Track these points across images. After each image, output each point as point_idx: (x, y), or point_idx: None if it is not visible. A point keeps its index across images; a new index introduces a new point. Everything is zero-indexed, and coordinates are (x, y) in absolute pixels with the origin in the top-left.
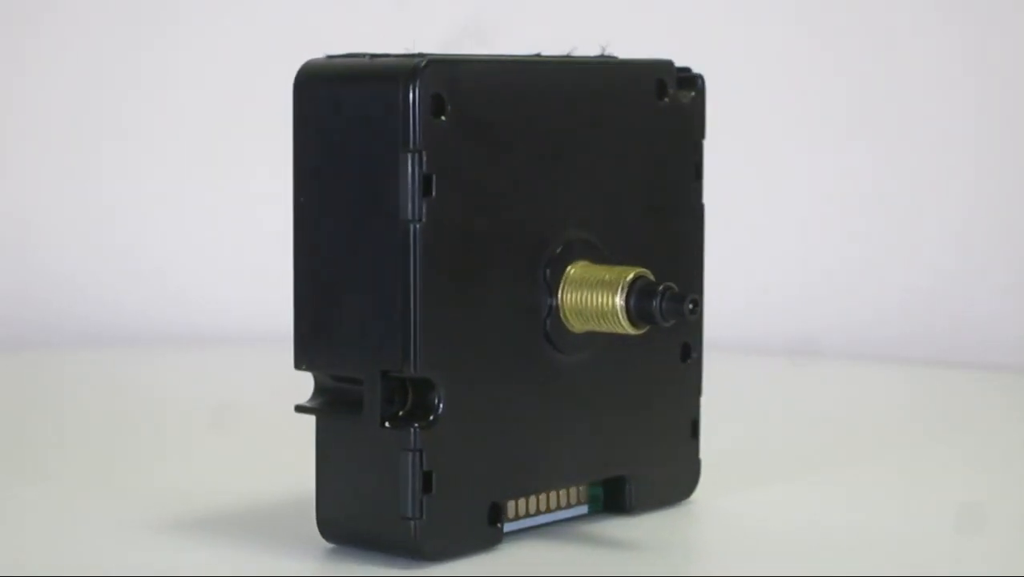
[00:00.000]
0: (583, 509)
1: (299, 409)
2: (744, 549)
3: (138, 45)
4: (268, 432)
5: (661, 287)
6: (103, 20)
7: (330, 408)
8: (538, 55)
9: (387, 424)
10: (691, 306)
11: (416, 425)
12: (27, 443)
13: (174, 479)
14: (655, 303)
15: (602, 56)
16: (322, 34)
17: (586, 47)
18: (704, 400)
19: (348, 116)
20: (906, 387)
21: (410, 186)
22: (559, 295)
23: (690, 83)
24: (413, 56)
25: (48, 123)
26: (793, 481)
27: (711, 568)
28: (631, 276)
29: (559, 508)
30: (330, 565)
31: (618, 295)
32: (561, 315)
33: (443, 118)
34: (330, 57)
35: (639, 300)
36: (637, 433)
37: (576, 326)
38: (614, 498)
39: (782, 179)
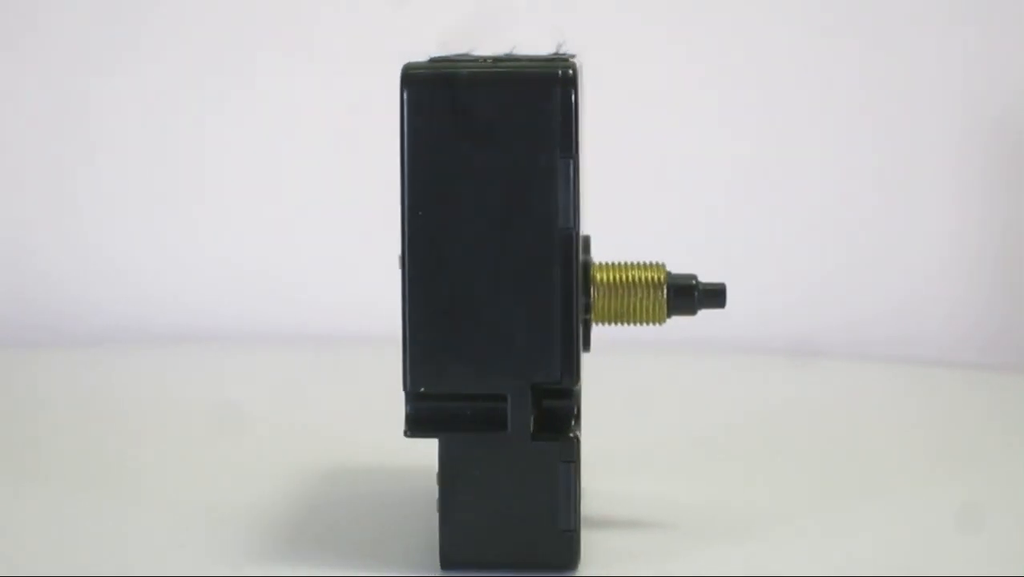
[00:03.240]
0: None
1: (415, 434)
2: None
3: (139, 43)
4: (269, 432)
5: (693, 280)
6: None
7: (461, 428)
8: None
9: (538, 437)
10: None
11: (575, 435)
12: (28, 443)
13: (174, 479)
14: (695, 296)
15: (557, 54)
16: (322, 34)
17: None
18: (704, 400)
19: (489, 123)
20: (906, 388)
21: (570, 192)
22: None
23: None
24: (548, 59)
25: (46, 122)
26: (792, 481)
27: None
28: (664, 273)
29: None
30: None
31: (662, 291)
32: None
33: None
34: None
35: (679, 295)
36: None
37: (600, 322)
38: None
39: (782, 179)
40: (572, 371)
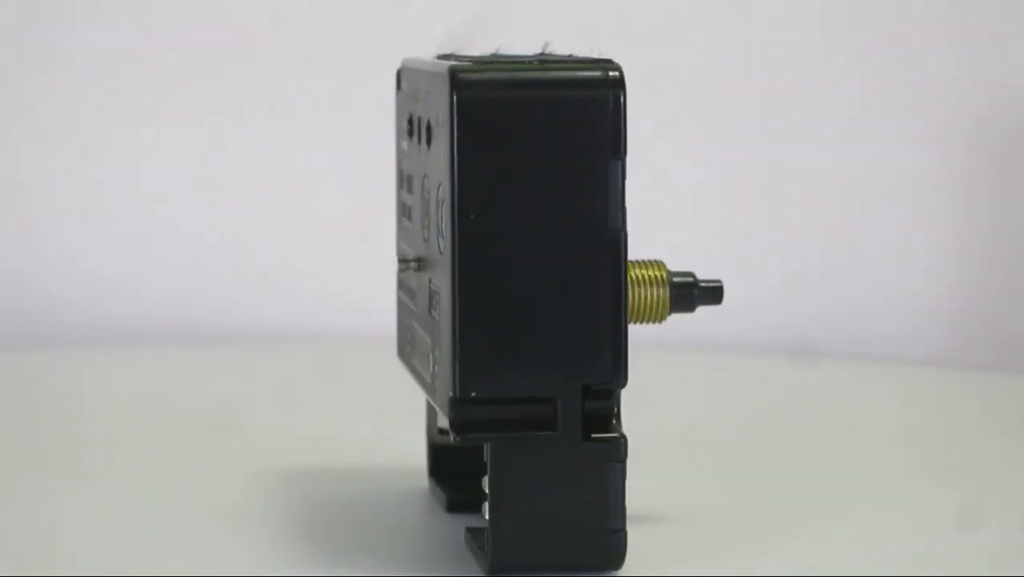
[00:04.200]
0: None
1: (465, 440)
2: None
3: (138, 41)
4: (269, 432)
5: (692, 278)
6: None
7: (511, 431)
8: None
9: (589, 438)
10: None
11: (623, 435)
12: (23, 443)
13: (172, 480)
14: (695, 293)
15: (542, 54)
16: (321, 33)
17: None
18: (705, 400)
19: (539, 125)
20: (906, 388)
21: (619, 194)
22: None
23: None
24: (591, 61)
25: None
26: (792, 480)
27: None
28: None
29: None
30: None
31: (665, 288)
32: None
33: None
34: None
35: (679, 292)
36: None
37: None
38: None
39: (781, 178)
40: (621, 372)
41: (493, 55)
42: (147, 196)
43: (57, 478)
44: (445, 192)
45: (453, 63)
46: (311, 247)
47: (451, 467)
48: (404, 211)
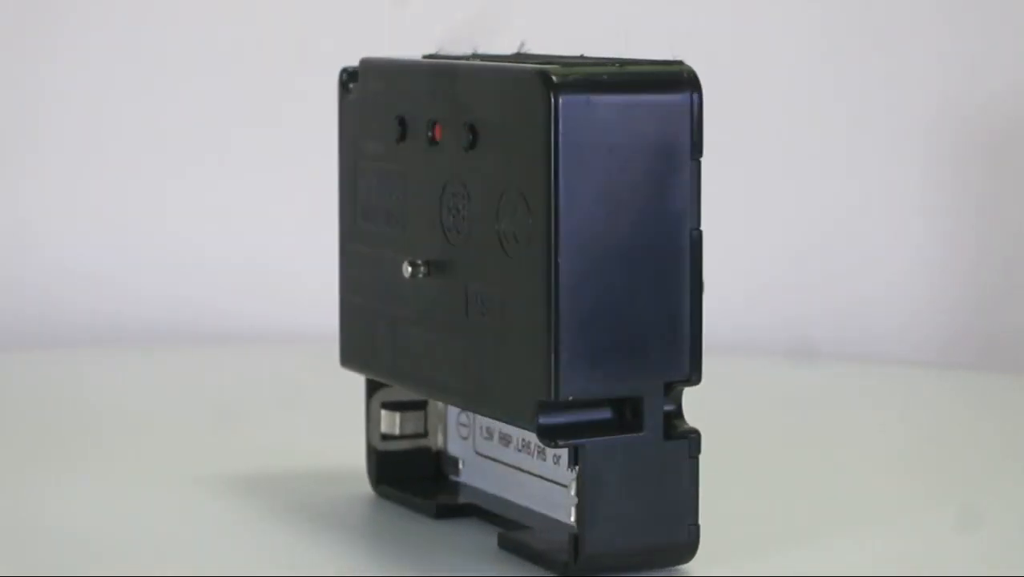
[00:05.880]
0: None
1: (555, 444)
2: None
3: (139, 39)
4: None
5: None
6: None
7: (601, 433)
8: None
9: (670, 436)
10: None
11: (697, 431)
12: (27, 443)
13: (170, 480)
14: None
15: (518, 54)
16: (321, 33)
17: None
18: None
19: (630, 126)
20: (904, 387)
21: (698, 193)
22: None
23: None
24: (662, 61)
25: (58, 117)
26: (791, 480)
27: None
28: None
29: None
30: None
31: None
32: None
33: None
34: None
35: None
36: None
37: None
38: None
39: (779, 178)
40: (699, 368)
41: (475, 54)
42: (146, 196)
43: (56, 478)
44: (535, 195)
45: (538, 65)
46: (311, 247)
47: (399, 473)
48: (379, 214)
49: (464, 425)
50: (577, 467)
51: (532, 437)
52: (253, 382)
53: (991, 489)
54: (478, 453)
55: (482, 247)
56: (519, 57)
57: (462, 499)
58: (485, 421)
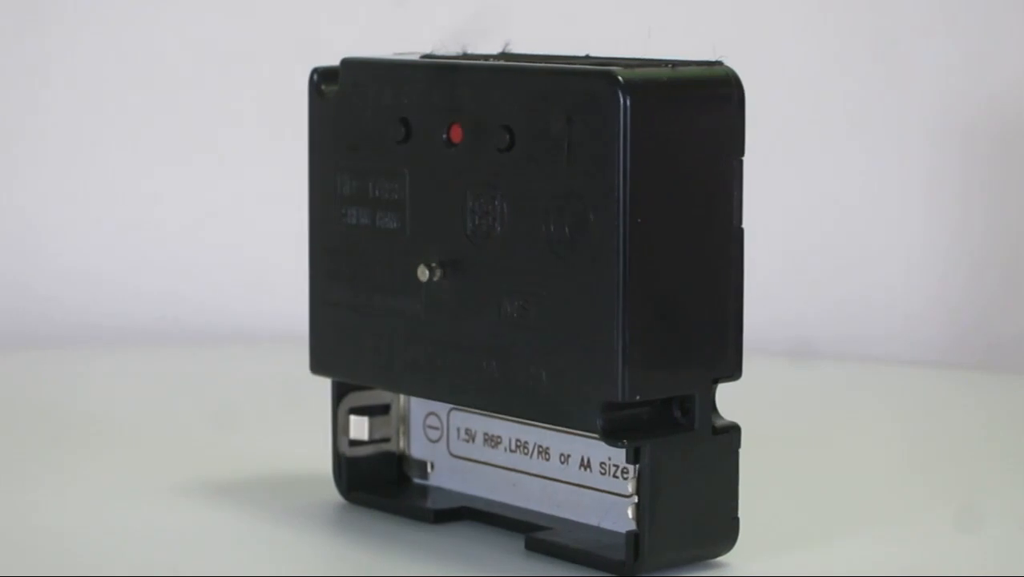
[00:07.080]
0: None
1: (619, 444)
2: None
3: (139, 42)
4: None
5: None
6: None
7: (661, 432)
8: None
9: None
10: None
11: (737, 425)
12: (25, 443)
13: (168, 479)
14: None
15: (503, 53)
16: (319, 33)
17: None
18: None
19: (687, 126)
20: (903, 387)
21: (741, 191)
22: None
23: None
24: (702, 62)
25: (58, 118)
26: (790, 480)
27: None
28: None
29: None
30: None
31: None
32: None
33: None
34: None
35: None
36: None
37: None
38: None
39: (779, 178)
40: (741, 364)
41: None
42: (146, 196)
43: (54, 478)
44: (600, 197)
45: (604, 67)
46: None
47: (368, 479)
48: (371, 217)
49: (433, 428)
50: (636, 466)
51: (532, 438)
52: (253, 382)
53: (992, 490)
54: (453, 455)
55: (522, 250)
56: (519, 57)
57: (442, 503)
58: (462, 422)
